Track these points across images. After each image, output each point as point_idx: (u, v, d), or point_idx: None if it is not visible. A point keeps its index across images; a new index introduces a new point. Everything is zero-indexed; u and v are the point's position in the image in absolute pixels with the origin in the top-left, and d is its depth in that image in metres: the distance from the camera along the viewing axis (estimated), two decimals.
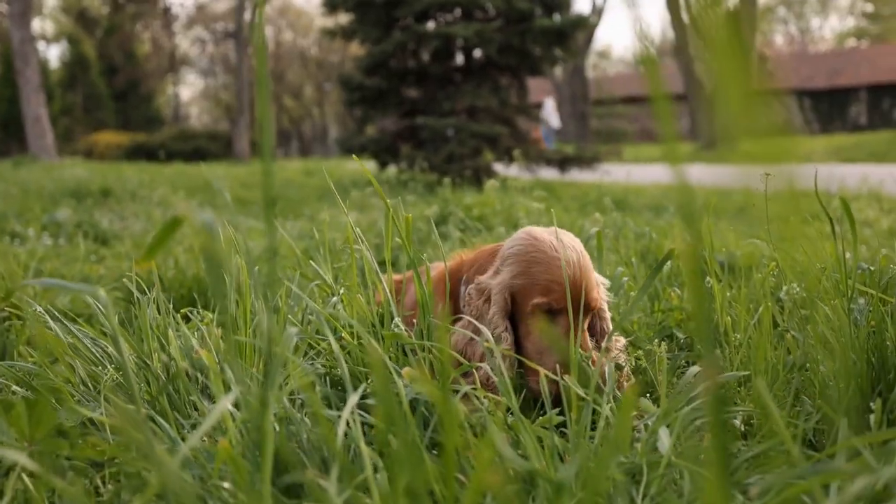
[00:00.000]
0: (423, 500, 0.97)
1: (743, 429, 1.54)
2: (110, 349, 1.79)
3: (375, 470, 1.20)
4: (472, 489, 0.92)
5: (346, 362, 1.63)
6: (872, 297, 1.72)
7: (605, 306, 1.93)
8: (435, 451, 1.42)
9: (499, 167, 12.76)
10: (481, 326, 1.66)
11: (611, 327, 1.92)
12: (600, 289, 1.91)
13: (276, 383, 1.11)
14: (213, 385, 1.29)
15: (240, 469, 1.03)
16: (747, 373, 1.63)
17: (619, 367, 1.83)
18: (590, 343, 1.83)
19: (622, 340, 1.96)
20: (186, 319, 2.75)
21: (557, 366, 1.68)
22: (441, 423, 0.93)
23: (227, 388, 1.45)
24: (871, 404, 1.36)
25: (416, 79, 12.88)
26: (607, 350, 1.82)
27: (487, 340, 1.66)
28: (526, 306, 1.81)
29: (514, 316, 1.85)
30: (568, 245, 1.84)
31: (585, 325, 1.84)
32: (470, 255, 2.10)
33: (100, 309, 1.92)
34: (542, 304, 1.79)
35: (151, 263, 1.46)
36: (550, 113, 11.75)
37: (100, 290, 1.07)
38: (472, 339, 1.79)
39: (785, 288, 1.82)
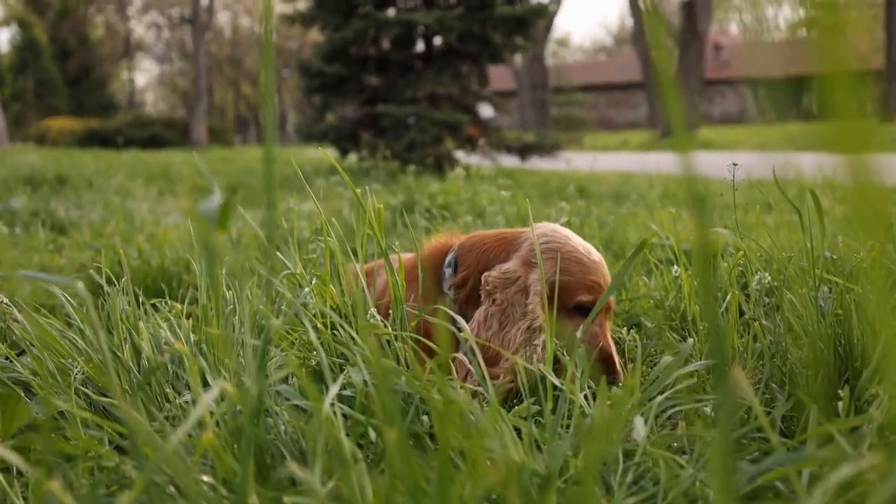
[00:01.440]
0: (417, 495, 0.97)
1: (714, 415, 1.57)
2: (79, 342, 1.76)
3: (356, 461, 1.20)
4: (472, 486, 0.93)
5: (323, 351, 1.62)
6: (838, 286, 1.75)
7: None
8: (412, 442, 1.42)
9: (460, 155, 12.76)
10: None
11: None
12: None
13: (263, 377, 1.10)
14: (189, 378, 1.28)
15: (224, 464, 1.02)
16: (715, 361, 1.65)
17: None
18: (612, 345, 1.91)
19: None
20: (154, 309, 2.73)
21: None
22: (438, 421, 0.93)
23: (203, 380, 1.44)
24: (840, 391, 1.39)
25: (377, 66, 12.82)
26: (606, 341, 1.92)
27: (525, 329, 1.78)
28: (567, 302, 1.85)
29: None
30: (586, 245, 1.95)
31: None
32: (458, 238, 2.10)
33: (67, 300, 1.90)
34: (587, 302, 1.85)
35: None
36: (482, 105, 11.87)
37: (78, 282, 1.05)
38: (497, 332, 1.83)
39: (757, 277, 1.85)
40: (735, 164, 1.97)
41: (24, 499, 1.29)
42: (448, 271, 2.03)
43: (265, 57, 1.02)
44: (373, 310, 1.71)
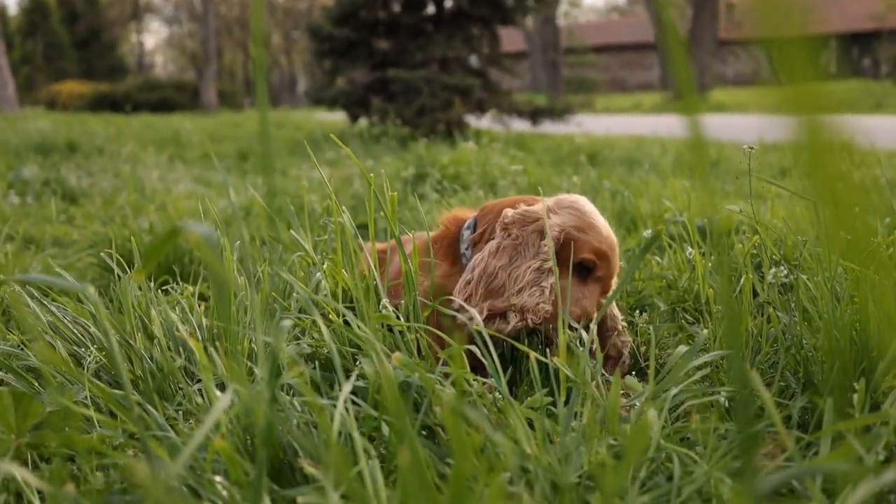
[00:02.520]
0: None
1: (728, 405, 1.56)
2: (92, 329, 1.76)
3: (368, 457, 1.20)
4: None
5: (334, 342, 1.62)
6: (853, 271, 1.73)
7: None
8: (425, 434, 1.42)
9: (471, 119, 12.68)
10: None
11: (617, 312, 2.01)
12: None
13: (273, 383, 1.10)
14: (202, 374, 1.28)
15: (236, 469, 1.02)
16: (731, 351, 1.64)
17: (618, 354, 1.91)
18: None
19: (620, 316, 1.99)
20: (164, 290, 2.73)
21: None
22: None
23: (215, 374, 1.44)
24: (855, 384, 1.38)
25: (387, 30, 12.69)
26: (617, 332, 1.90)
27: (536, 268, 1.81)
28: (574, 256, 1.85)
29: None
30: (606, 223, 1.96)
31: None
32: (480, 207, 2.11)
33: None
34: (589, 261, 1.85)
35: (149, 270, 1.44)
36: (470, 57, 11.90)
37: (89, 287, 1.04)
38: (506, 264, 1.85)
39: (773, 272, 1.82)
40: (752, 148, 1.94)
41: (41, 496, 1.29)
42: (467, 233, 2.03)
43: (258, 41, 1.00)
44: (385, 300, 1.70)
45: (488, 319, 1.79)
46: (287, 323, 1.14)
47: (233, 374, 1.00)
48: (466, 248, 2.01)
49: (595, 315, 1.81)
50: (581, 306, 1.83)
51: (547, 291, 1.80)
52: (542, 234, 1.86)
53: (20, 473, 0.90)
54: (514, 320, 1.78)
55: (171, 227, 0.89)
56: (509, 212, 1.91)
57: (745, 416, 0.74)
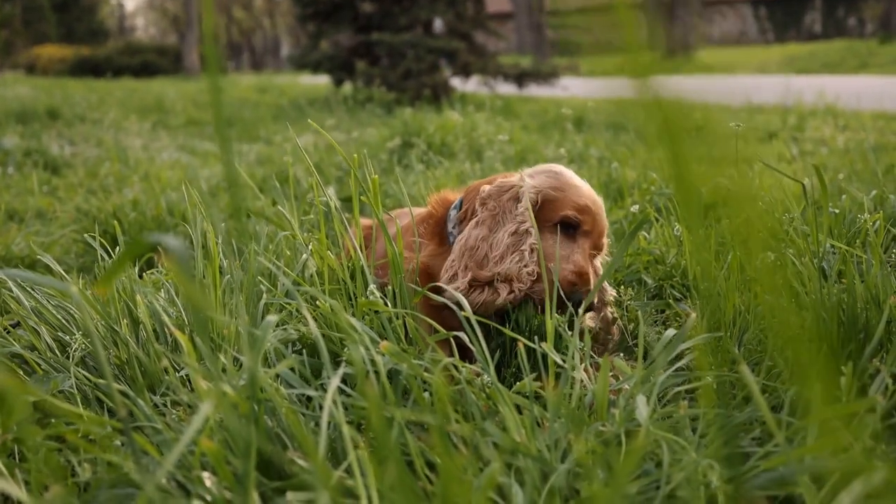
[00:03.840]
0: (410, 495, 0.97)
1: (715, 386, 1.56)
2: (77, 314, 1.75)
3: (356, 447, 1.20)
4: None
5: (320, 328, 1.61)
6: (840, 250, 1.73)
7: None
8: (411, 430, 1.42)
9: (456, 82, 12.60)
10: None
11: (606, 284, 2.00)
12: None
13: (257, 377, 1.09)
14: (189, 367, 1.27)
15: (223, 467, 1.02)
16: (720, 334, 1.64)
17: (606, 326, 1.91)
18: (594, 279, 1.87)
19: (610, 290, 1.99)
20: (150, 266, 2.71)
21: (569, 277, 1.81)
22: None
23: (201, 362, 1.43)
24: (843, 368, 1.38)
25: None
26: (605, 305, 1.90)
27: (513, 231, 1.82)
28: (554, 215, 1.86)
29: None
30: (589, 186, 1.96)
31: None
32: (466, 187, 2.10)
33: (61, 271, 1.88)
34: (571, 217, 1.85)
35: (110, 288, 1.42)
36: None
37: (72, 286, 1.03)
38: (486, 236, 1.86)
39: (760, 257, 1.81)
40: (738, 125, 1.93)
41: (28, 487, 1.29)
42: (454, 213, 2.03)
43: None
44: (372, 286, 1.69)
45: (473, 290, 1.79)
46: (272, 319, 1.12)
47: (215, 391, 0.99)
48: (453, 227, 2.00)
49: (589, 271, 1.82)
50: (573, 262, 1.82)
51: (527, 254, 1.80)
52: (517, 199, 1.87)
53: (4, 486, 0.89)
54: (504, 292, 1.78)
55: (136, 240, 0.87)
56: (486, 187, 1.93)
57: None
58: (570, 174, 1.94)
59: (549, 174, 1.93)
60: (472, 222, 1.89)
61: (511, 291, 1.78)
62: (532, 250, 1.81)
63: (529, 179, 1.90)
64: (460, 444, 1.27)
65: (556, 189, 1.88)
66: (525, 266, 1.79)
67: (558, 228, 1.85)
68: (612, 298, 2.00)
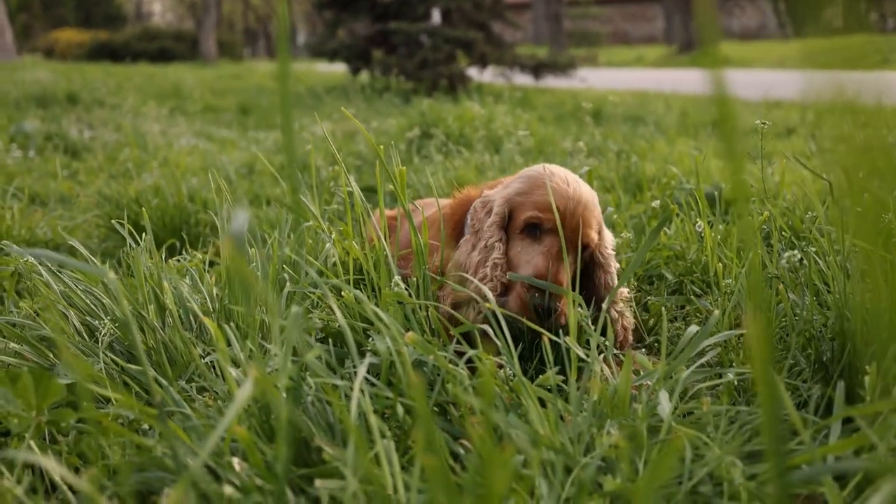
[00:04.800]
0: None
1: (736, 382, 1.57)
2: (105, 300, 1.77)
3: (383, 436, 1.22)
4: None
5: (345, 317, 1.63)
6: (863, 249, 1.73)
7: (613, 261, 1.93)
8: (437, 411, 1.44)
9: (473, 72, 12.58)
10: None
11: (616, 281, 1.92)
12: (604, 237, 1.91)
13: (286, 364, 1.11)
14: (218, 356, 1.29)
15: (254, 454, 1.04)
16: (742, 332, 1.65)
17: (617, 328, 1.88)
18: (566, 278, 1.78)
19: (625, 292, 1.95)
20: (172, 253, 2.73)
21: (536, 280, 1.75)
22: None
23: (231, 349, 1.45)
24: (867, 367, 1.39)
25: None
26: (612, 303, 1.85)
27: (482, 247, 1.82)
28: (518, 220, 1.84)
29: (508, 229, 1.89)
30: (575, 181, 1.89)
31: (574, 261, 1.83)
32: (487, 188, 2.10)
33: (89, 256, 1.90)
34: (532, 217, 1.82)
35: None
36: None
37: (108, 272, 1.05)
38: (470, 252, 1.87)
39: (786, 255, 1.82)
40: (765, 124, 1.93)
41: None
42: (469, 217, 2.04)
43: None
44: (397, 277, 1.70)
45: (456, 308, 1.80)
46: (297, 309, 1.14)
47: (257, 374, 1.01)
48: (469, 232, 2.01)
49: (559, 270, 1.75)
50: (533, 265, 1.78)
51: (489, 269, 1.80)
52: (489, 214, 1.88)
53: (45, 462, 0.91)
54: (472, 314, 1.77)
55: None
56: (475, 203, 1.94)
57: (776, 444, 0.74)
58: (549, 174, 1.87)
59: (524, 179, 1.90)
60: (463, 241, 1.93)
61: (479, 312, 1.76)
62: (495, 265, 1.80)
63: (503, 191, 1.90)
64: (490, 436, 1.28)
65: (522, 193, 1.86)
66: (490, 281, 1.79)
67: (522, 230, 1.84)
68: (625, 296, 1.96)
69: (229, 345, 1.49)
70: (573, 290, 1.75)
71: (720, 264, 2.03)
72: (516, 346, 1.62)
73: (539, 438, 1.24)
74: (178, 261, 2.24)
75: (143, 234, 1.94)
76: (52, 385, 1.24)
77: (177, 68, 23.09)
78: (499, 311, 1.53)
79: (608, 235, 1.95)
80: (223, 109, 10.07)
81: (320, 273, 1.87)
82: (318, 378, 1.30)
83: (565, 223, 1.80)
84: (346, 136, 6.38)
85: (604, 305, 1.66)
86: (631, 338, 1.90)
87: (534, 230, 1.83)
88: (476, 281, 1.72)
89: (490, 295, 1.60)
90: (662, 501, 1.19)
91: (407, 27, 11.54)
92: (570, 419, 1.36)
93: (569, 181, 1.87)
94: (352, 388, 1.23)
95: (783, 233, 2.11)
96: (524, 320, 1.65)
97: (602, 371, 1.51)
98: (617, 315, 1.90)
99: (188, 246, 2.76)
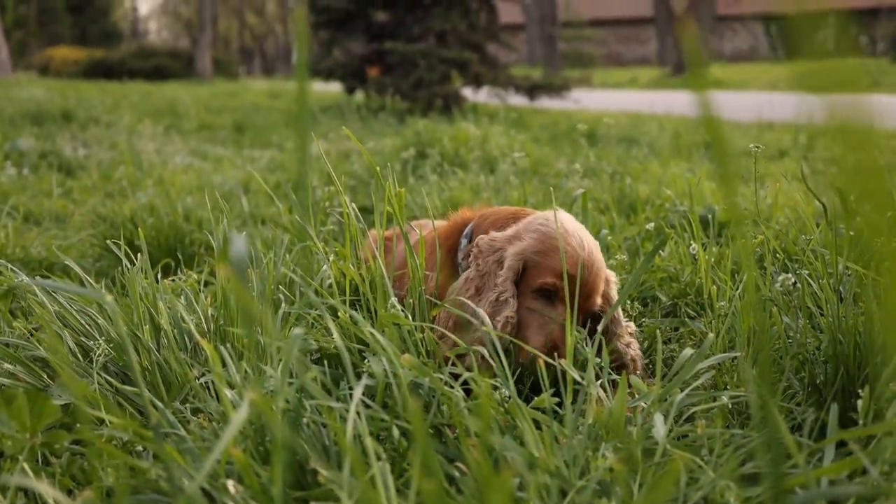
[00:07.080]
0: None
1: (730, 406, 1.57)
2: (100, 320, 1.77)
3: (379, 458, 1.22)
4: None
5: (342, 337, 1.63)
6: (856, 272, 1.74)
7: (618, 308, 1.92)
8: (433, 433, 1.44)
9: (467, 93, 12.63)
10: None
11: (623, 323, 1.92)
12: (611, 287, 1.92)
13: (283, 386, 1.11)
14: (214, 378, 1.29)
15: (250, 475, 1.04)
16: (736, 354, 1.65)
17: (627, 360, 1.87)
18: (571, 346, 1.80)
19: (632, 327, 1.94)
20: (166, 272, 2.73)
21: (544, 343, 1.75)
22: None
23: (226, 371, 1.45)
24: (860, 391, 1.39)
25: (385, 1, 12.58)
26: (619, 337, 1.85)
27: (493, 300, 1.78)
28: (534, 281, 1.83)
29: (518, 283, 1.87)
30: (588, 242, 1.88)
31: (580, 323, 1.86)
32: (480, 212, 2.09)
33: (84, 276, 1.90)
34: (550, 284, 1.81)
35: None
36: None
37: (106, 295, 1.05)
38: (473, 296, 1.84)
39: (780, 278, 1.83)
40: (758, 147, 1.94)
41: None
42: (464, 241, 2.04)
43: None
44: (393, 299, 1.70)
45: (459, 356, 1.77)
46: (298, 331, 1.14)
47: (255, 394, 1.01)
48: (462, 259, 2.01)
49: (569, 340, 1.69)
50: (545, 332, 1.79)
51: (499, 326, 1.77)
52: (500, 264, 1.86)
53: (39, 486, 0.90)
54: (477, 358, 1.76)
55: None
56: (480, 241, 1.91)
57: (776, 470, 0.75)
58: (563, 228, 1.86)
59: (537, 234, 1.87)
60: (464, 277, 1.90)
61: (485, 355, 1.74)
62: (506, 323, 1.78)
63: (517, 243, 1.87)
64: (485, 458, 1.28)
65: (539, 253, 1.84)
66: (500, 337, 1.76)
67: (537, 293, 1.83)
68: (631, 330, 1.95)
69: (225, 366, 1.49)
70: (596, 356, 1.74)
71: (714, 287, 2.04)
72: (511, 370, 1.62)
73: (535, 461, 1.25)
74: (174, 280, 2.24)
75: (139, 253, 1.94)
76: (46, 406, 1.24)
77: (172, 86, 23.12)
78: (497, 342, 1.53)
79: (611, 277, 1.95)
80: (218, 127, 10.09)
81: (316, 293, 1.87)
82: (314, 400, 1.30)
83: (583, 288, 1.81)
84: (340, 155, 6.40)
85: (599, 327, 1.67)
86: (640, 369, 1.90)
87: (549, 295, 1.83)
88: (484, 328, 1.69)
89: (488, 321, 1.60)
90: None
91: (402, 47, 11.59)
92: (566, 441, 1.37)
93: (583, 243, 1.86)
94: (347, 410, 1.23)
95: (777, 255, 2.12)
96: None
97: (600, 394, 1.51)
98: (625, 348, 1.90)
99: (183, 265, 2.76)
